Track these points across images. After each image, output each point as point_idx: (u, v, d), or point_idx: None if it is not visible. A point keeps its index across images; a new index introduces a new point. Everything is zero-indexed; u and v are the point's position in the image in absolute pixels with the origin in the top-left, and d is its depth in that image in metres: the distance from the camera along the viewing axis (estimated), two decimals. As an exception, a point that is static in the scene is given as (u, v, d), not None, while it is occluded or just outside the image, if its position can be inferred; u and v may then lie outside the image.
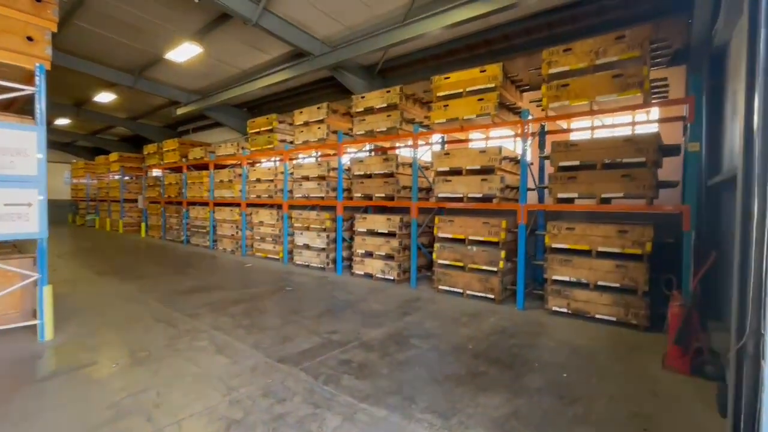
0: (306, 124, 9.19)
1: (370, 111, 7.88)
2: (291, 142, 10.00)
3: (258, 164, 12.40)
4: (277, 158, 11.84)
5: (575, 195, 5.41)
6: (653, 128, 6.91)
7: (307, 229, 8.89)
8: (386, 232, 7.55)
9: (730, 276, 4.46)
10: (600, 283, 5.10)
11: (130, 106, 16.21)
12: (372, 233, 7.78)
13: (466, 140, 8.53)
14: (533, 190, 6.65)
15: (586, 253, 5.27)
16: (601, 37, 5.19)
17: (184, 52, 9.87)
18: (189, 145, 14.13)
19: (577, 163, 5.38)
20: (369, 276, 7.78)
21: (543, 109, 5.69)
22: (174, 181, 14.13)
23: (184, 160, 13.61)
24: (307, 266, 8.91)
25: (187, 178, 13.31)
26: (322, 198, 8.82)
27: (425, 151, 8.39)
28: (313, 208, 9.83)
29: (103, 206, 19.05)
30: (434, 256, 6.72)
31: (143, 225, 16.03)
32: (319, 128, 8.89)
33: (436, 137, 8.48)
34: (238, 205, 11.12)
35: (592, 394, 3.24)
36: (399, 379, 3.42)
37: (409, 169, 7.80)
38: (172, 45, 9.67)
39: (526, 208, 5.78)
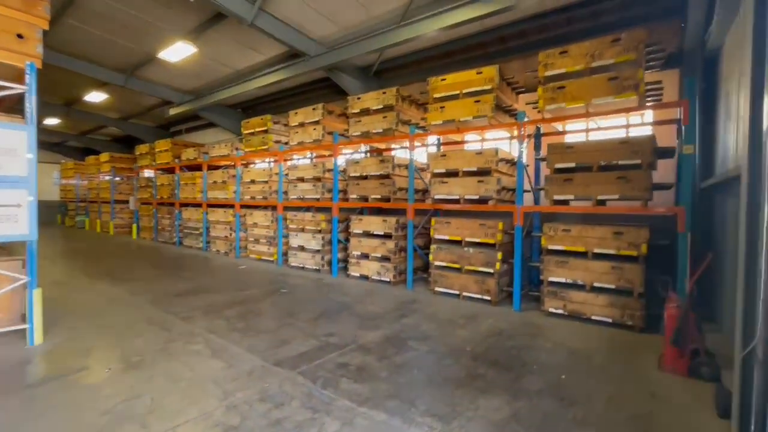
0: (301, 125, 9.13)
1: (366, 112, 7.86)
2: (286, 143, 9.94)
3: (252, 165, 12.29)
4: (272, 159, 11.76)
5: (571, 197, 5.43)
6: (648, 131, 6.98)
7: (303, 230, 8.82)
8: (382, 233, 7.52)
9: (726, 278, 4.48)
10: (596, 284, 5.12)
11: (122, 105, 16.01)
12: (368, 235, 7.75)
13: (462, 142, 8.53)
14: (529, 191, 6.69)
15: (582, 255, 5.29)
16: (597, 40, 5.22)
17: (178, 52, 9.76)
18: (182, 146, 13.97)
19: (572, 165, 5.41)
20: (365, 278, 7.74)
21: (539, 111, 5.72)
22: (166, 182, 13.95)
23: (176, 160, 13.46)
24: (303, 268, 8.84)
25: (180, 179, 13.15)
26: (318, 199, 8.76)
27: (421, 152, 8.37)
28: (308, 209, 9.77)
29: (93, 207, 18.77)
30: (430, 257, 6.71)
31: (135, 226, 15.82)
32: (314, 129, 8.84)
33: (432, 139, 8.47)
34: (231, 206, 11.01)
35: (590, 395, 3.24)
36: (398, 382, 3.39)
37: (405, 170, 7.78)
38: (165, 44, 9.55)
39: (522, 210, 5.80)
